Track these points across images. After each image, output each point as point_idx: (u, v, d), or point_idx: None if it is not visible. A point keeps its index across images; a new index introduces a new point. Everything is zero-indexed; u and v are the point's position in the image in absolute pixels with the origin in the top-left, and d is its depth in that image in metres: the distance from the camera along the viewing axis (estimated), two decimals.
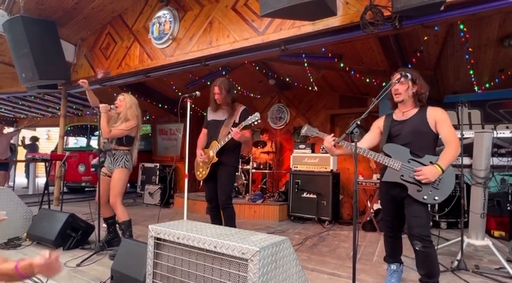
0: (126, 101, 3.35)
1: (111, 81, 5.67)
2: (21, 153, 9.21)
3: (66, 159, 4.57)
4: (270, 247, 1.46)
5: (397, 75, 2.29)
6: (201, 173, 3.31)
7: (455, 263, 2.88)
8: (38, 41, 4.90)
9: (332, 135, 2.32)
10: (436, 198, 2.14)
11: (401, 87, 2.30)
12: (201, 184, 3.48)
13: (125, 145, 3.33)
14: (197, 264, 1.60)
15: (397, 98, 2.33)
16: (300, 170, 5.47)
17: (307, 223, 5.10)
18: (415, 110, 2.33)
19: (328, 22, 3.29)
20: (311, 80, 6.03)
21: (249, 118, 3.00)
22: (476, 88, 5.30)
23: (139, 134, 3.48)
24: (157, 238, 1.77)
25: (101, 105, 3.22)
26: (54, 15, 5.18)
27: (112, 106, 3.31)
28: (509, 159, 3.05)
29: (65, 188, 7.34)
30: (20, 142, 9.00)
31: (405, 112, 2.35)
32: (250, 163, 6.18)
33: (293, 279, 1.61)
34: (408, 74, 2.28)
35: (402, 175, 2.21)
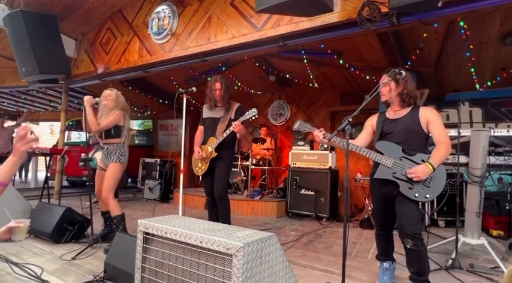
0: (113, 95, 3.33)
1: (111, 76, 5.67)
2: None
3: (65, 153, 4.61)
4: (255, 243, 1.46)
5: (384, 78, 2.35)
6: (200, 169, 3.38)
7: (450, 261, 2.88)
8: (38, 36, 4.88)
9: (321, 129, 2.33)
10: (427, 196, 2.13)
11: (384, 88, 2.36)
12: (200, 179, 3.52)
13: (114, 137, 3.29)
14: (184, 258, 1.61)
15: (382, 98, 2.41)
16: (298, 167, 5.46)
17: (304, 220, 5.10)
18: (407, 110, 2.34)
19: (325, 18, 3.27)
20: (311, 76, 5.99)
21: (246, 113, 3.08)
22: (477, 86, 5.25)
23: (128, 123, 3.40)
24: (146, 233, 1.79)
25: (85, 98, 3.14)
26: (55, 10, 5.18)
27: (97, 99, 3.25)
28: (506, 158, 3.02)
29: (66, 182, 7.39)
30: None
31: (396, 111, 2.38)
32: (250, 159, 6.17)
33: (279, 275, 1.61)
34: (392, 74, 2.28)
35: (394, 173, 2.20)
